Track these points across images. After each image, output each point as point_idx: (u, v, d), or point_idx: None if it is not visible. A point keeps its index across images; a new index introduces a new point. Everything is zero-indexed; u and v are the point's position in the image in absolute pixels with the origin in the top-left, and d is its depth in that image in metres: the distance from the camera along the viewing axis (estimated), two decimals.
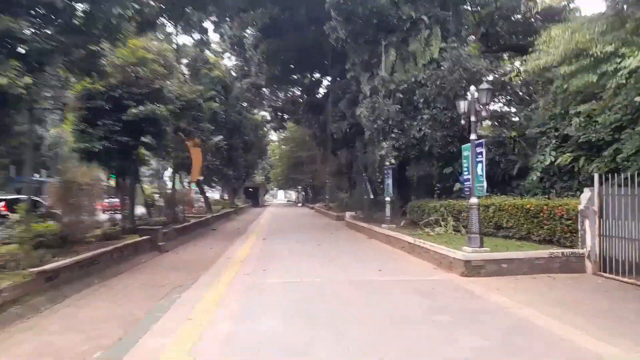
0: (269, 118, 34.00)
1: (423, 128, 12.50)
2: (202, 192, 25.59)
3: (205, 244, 13.19)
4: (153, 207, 18.51)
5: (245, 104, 40.24)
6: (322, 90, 27.02)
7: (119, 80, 12.00)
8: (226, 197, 40.49)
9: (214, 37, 31.58)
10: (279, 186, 71.49)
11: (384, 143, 13.02)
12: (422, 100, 12.68)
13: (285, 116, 29.41)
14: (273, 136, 57.63)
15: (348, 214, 21.37)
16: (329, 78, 24.85)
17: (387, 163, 13.58)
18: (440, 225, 11.84)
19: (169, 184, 27.68)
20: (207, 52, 34.51)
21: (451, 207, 11.91)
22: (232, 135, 33.46)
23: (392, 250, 10.93)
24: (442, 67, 12.71)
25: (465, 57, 11.87)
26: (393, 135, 12.99)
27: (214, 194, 50.63)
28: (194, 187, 27.32)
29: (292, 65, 22.56)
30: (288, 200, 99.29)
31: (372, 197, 21.21)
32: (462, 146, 8.63)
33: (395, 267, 8.41)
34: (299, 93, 27.12)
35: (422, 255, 9.19)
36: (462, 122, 8.38)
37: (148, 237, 10.86)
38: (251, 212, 38.88)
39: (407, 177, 18.63)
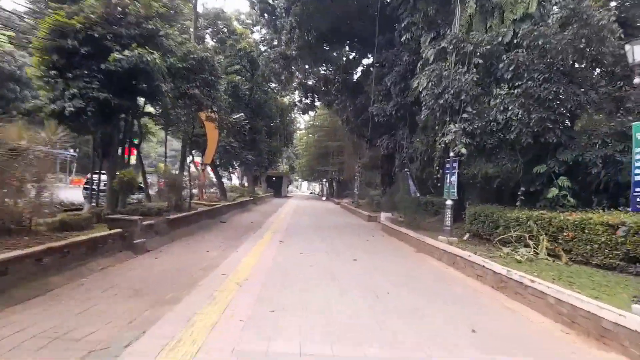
0: (297, 99, 30.56)
1: (510, 107, 8.90)
2: (217, 177, 22.61)
3: (203, 244, 10.05)
4: (157, 191, 15.64)
5: (272, 85, 37.27)
6: (360, 70, 23.46)
7: (101, 16, 8.90)
8: (247, 184, 37.61)
9: (243, 6, 28.44)
10: (303, 177, 68.42)
11: (453, 126, 9.50)
12: (510, 68, 9.07)
13: (316, 97, 25.85)
14: (300, 124, 54.51)
15: (383, 215, 17.93)
16: (369, 56, 21.36)
17: (452, 153, 10.07)
18: (528, 246, 8.33)
19: (193, 168, 24.89)
20: (235, 23, 31.53)
21: (545, 222, 8.33)
22: (255, 116, 30.46)
23: (465, 280, 7.45)
24: (543, 23, 9.05)
25: (586, 6, 8.17)
26: (465, 115, 9.45)
27: (233, 180, 48.02)
28: (210, 171, 24.43)
29: (328, 35, 19.05)
30: (311, 193, 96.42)
31: (418, 196, 17.72)
32: (634, 125, 4.97)
33: (497, 329, 4.81)
34: (332, 72, 23.58)
35: (530, 300, 5.70)
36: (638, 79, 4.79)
37: (120, 230, 7.77)
38: (272, 202, 35.83)
39: (459, 175, 15.08)
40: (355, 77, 22.80)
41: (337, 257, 8.90)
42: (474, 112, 9.46)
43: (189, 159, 21.24)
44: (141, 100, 11.46)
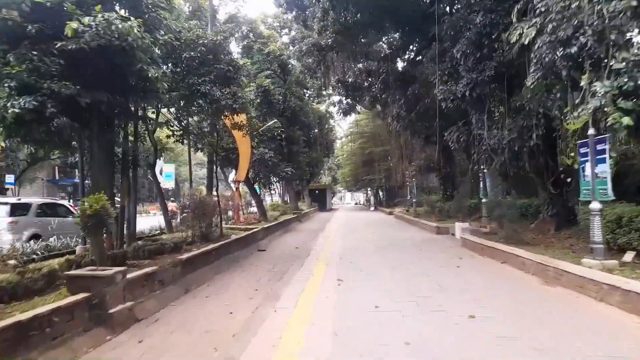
0: (336, 100, 27.36)
1: None
2: (254, 195, 19.78)
3: (229, 294, 6.95)
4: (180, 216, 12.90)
5: (307, 93, 34.47)
6: (406, 57, 19.97)
7: None
8: (288, 200, 34.81)
9: (269, 9, 25.84)
10: (347, 188, 65.06)
11: (599, 84, 5.93)
12: None
13: (357, 95, 22.55)
14: (339, 132, 51.47)
15: (459, 226, 14.27)
16: (417, 42, 17.95)
17: (592, 131, 6.44)
18: None
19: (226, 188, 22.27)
20: (262, 27, 29.08)
21: None
22: (291, 125, 27.67)
23: None
24: None
25: None
26: (619, 65, 5.86)
27: (274, 198, 45.62)
28: (245, 189, 21.69)
29: (367, 16, 15.79)
30: (356, 203, 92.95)
31: (500, 198, 14.00)
32: None
33: None
34: (375, 63, 20.22)
35: None
36: None
37: (85, 296, 4.79)
38: (317, 218, 32.69)
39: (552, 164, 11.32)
40: (401, 65, 19.37)
41: (436, 312, 5.47)
42: (633, 59, 5.85)
43: (220, 177, 18.67)
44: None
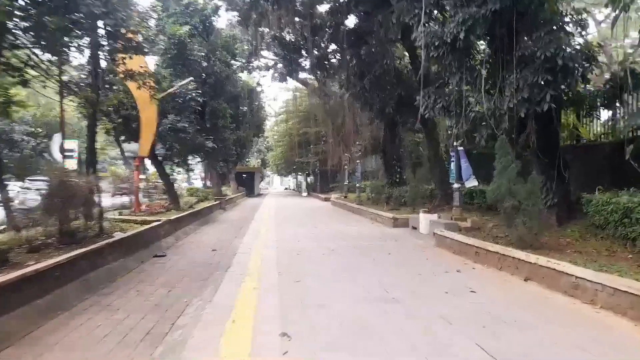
0: (269, 64, 23.17)
1: None
2: (163, 175, 15.37)
3: None
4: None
5: (235, 63, 29.95)
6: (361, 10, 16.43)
7: None
8: (210, 184, 30.30)
9: None
10: (278, 171, 61.20)
11: None
12: None
13: (296, 57, 18.64)
14: (270, 111, 47.31)
15: (425, 218, 11.34)
16: None
17: None
18: None
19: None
20: None
21: None
22: (216, 95, 23.26)
23: None
24: None
25: None
26: None
27: (197, 182, 40.72)
28: (151, 170, 17.07)
29: None
30: (286, 189, 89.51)
31: (477, 185, 11.24)
32: None
33: None
34: (320, 17, 16.37)
35: None
36: None
37: None
38: (245, 204, 28.65)
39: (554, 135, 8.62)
40: (354, 22, 15.84)
41: None
42: None
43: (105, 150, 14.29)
44: None
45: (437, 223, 10.70)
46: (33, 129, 42.13)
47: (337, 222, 15.29)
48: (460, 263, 7.48)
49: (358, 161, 20.79)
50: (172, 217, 11.98)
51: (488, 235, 8.73)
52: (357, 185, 20.42)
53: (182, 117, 14.62)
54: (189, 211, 15.09)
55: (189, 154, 16.60)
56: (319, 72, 19.13)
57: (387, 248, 9.19)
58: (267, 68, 25.30)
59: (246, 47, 28.54)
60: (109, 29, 8.02)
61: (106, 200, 15.76)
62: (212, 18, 22.99)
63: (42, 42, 7.28)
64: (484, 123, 9.23)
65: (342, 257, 8.14)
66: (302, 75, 38.64)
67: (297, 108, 41.44)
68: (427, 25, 8.90)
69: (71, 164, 32.46)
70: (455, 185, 11.45)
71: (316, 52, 16.70)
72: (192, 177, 42.21)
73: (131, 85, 13.11)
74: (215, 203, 20.85)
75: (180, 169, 33.93)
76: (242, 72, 33.72)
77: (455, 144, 11.37)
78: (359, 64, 14.50)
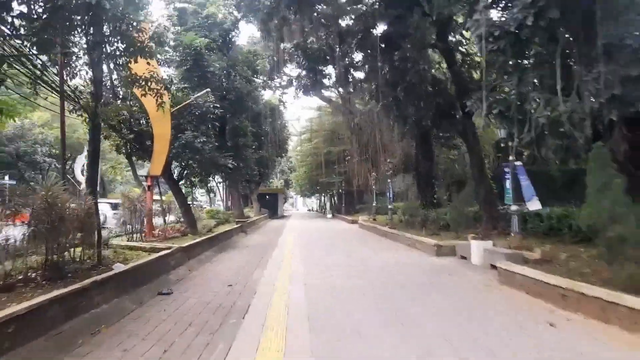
0: (292, 75, 21.94)
1: None
2: (178, 196, 14.10)
3: None
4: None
5: (256, 78, 29.05)
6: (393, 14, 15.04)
7: None
8: (231, 206, 29.08)
9: None
10: (301, 192, 59.87)
11: None
12: None
13: (321, 68, 17.29)
14: (293, 130, 46.29)
15: (478, 246, 9.59)
16: None
17: None
18: None
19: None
20: None
21: None
22: (237, 111, 22.21)
23: None
24: None
25: None
26: None
27: (215, 202, 39.74)
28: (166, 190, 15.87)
29: None
30: (309, 210, 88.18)
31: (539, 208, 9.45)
32: None
33: None
34: (348, 24, 15.08)
35: None
36: None
37: None
38: (267, 227, 27.20)
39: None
40: (383, 29, 14.48)
41: None
42: None
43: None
44: None
45: (494, 253, 8.94)
46: (55, 150, 42.16)
47: (371, 248, 13.60)
48: (545, 310, 5.73)
49: (389, 180, 19.12)
50: (186, 244, 10.59)
51: (569, 270, 6.94)
52: (389, 206, 18.73)
53: (200, 133, 13.39)
54: (207, 236, 13.74)
55: (208, 173, 15.31)
56: (345, 85, 17.72)
57: (441, 286, 7.48)
58: (290, 82, 23.99)
59: (267, 65, 27.67)
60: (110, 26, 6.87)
61: (114, 224, 14.69)
62: (232, 33, 22.14)
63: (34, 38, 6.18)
64: (546, 132, 7.56)
65: (388, 301, 6.48)
66: (327, 91, 37.67)
67: (321, 126, 40.30)
68: (483, 12, 7.35)
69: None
70: (514, 208, 9.67)
71: (342, 62, 15.34)
72: (216, 199, 41.29)
73: (144, 98, 12.04)
74: (236, 226, 19.51)
75: (203, 191, 33.03)
76: (264, 89, 32.91)
77: (511, 158, 9.65)
78: (392, 72, 13.05)
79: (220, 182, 27.96)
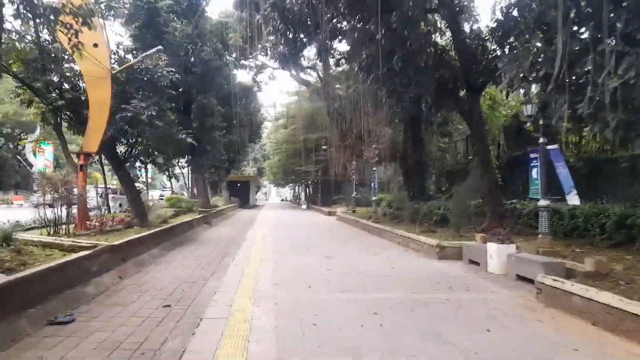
0: (269, 44, 19.26)
1: None
2: (125, 180, 11.51)
3: None
4: None
5: (230, 56, 26.29)
6: None
7: None
8: (197, 193, 26.40)
9: None
10: (275, 181, 57.31)
11: None
12: None
13: (302, 34, 14.71)
14: (266, 115, 43.61)
15: (498, 250, 7.56)
16: None
17: None
18: None
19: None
20: None
21: None
22: (203, 87, 19.62)
23: None
24: None
25: None
26: None
27: (186, 191, 36.92)
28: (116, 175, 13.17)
29: None
30: (282, 200, 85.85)
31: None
32: None
33: None
34: None
35: None
36: None
37: None
38: (236, 218, 24.73)
39: None
40: None
41: None
42: None
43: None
44: None
45: (521, 260, 6.92)
46: (6, 130, 38.08)
47: (356, 247, 11.45)
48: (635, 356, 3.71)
49: (375, 169, 16.99)
50: (123, 240, 8.13)
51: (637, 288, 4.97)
52: (373, 198, 16.61)
53: (151, 104, 10.83)
54: (159, 228, 11.30)
55: (161, 152, 12.73)
56: (326, 59, 15.40)
57: (465, 310, 5.35)
58: (265, 51, 21.32)
59: (240, 39, 24.99)
60: None
61: (25, 213, 11.90)
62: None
63: None
64: (619, 99, 5.49)
65: (396, 335, 4.32)
66: (305, 74, 35.15)
67: (298, 112, 37.84)
68: None
69: (40, 164, 28.38)
70: (543, 203, 7.68)
71: (327, 27, 12.91)
72: (179, 186, 38.34)
73: (79, 56, 9.43)
74: (198, 217, 17.02)
75: (173, 176, 30.08)
76: (237, 69, 30.25)
77: (542, 140, 7.63)
78: (387, 38, 10.80)
79: (184, 167, 25.28)
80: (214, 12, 51.03)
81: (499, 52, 10.75)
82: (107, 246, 7.32)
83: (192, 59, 19.35)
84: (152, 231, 10.36)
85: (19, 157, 39.24)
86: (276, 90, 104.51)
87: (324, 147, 37.01)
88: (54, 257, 6.61)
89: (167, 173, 24.97)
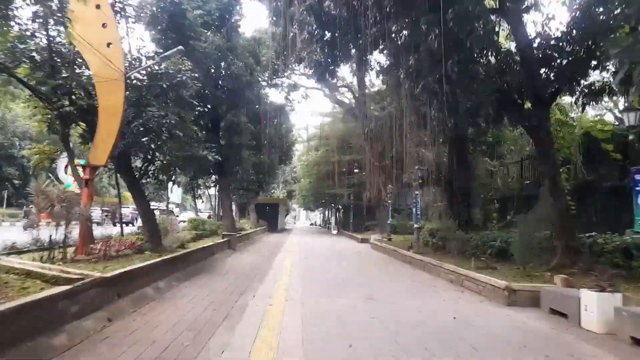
0: (303, 56, 17.97)
1: None
2: (138, 197, 10.26)
3: None
4: None
5: (262, 74, 25.42)
6: None
7: None
8: (223, 214, 25.16)
9: None
10: (304, 205, 55.85)
11: None
12: None
13: (342, 39, 13.17)
14: (298, 136, 42.54)
15: (597, 301, 5.62)
16: None
17: None
18: None
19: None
20: None
21: None
22: (232, 104, 18.64)
23: None
24: None
25: None
26: None
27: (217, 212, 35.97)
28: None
29: None
30: (311, 224, 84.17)
31: None
32: None
33: None
34: None
35: None
36: None
37: None
38: (263, 243, 23.24)
39: None
40: None
41: None
42: None
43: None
44: None
45: (637, 317, 5.02)
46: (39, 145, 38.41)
47: (401, 285, 9.61)
48: None
49: (417, 192, 15.18)
50: (120, 271, 6.71)
51: None
52: (415, 225, 14.75)
53: (170, 112, 9.62)
54: (173, 254, 9.89)
55: (182, 170, 11.47)
56: (365, 70, 13.94)
57: None
58: (300, 61, 20.06)
59: (274, 54, 24.11)
60: None
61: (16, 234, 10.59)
62: (233, 11, 18.56)
63: None
64: None
65: None
66: (338, 94, 34.01)
67: (332, 133, 36.61)
68: None
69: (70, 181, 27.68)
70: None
71: (371, 31, 11.43)
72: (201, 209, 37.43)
73: (87, 53, 8.41)
74: (221, 241, 15.62)
75: (198, 197, 29.18)
76: (269, 87, 29.39)
77: None
78: (441, 39, 9.25)
79: (210, 187, 24.21)
80: (248, 30, 51.04)
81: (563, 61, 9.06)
82: (98, 278, 5.89)
83: (222, 73, 18.40)
84: (163, 258, 8.94)
85: (50, 174, 39.52)
86: (309, 112, 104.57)
87: (355, 170, 35.52)
88: (30, 290, 5.26)
89: (192, 193, 23.99)
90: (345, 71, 17.75)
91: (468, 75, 9.44)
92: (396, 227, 23.20)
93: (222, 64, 17.81)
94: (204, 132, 18.69)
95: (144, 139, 9.89)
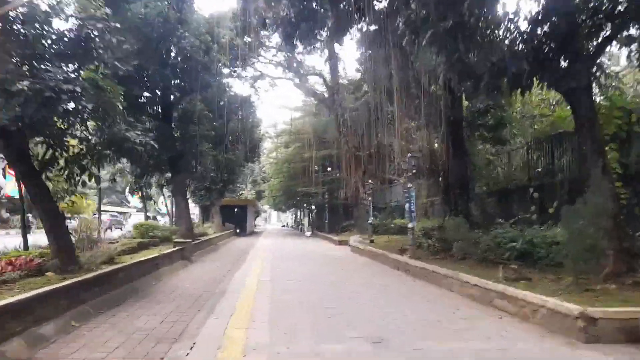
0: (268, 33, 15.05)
1: None
2: (39, 197, 7.27)
3: None
4: None
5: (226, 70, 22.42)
6: None
7: None
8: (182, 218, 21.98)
9: None
10: (275, 205, 52.88)
11: None
12: None
13: (313, 11, 10.56)
14: (268, 134, 39.66)
15: None
16: None
17: None
18: None
19: None
20: None
21: None
22: (187, 87, 15.73)
23: None
24: None
25: None
26: None
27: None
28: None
29: None
30: (283, 226, 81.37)
31: None
32: None
33: None
34: None
35: None
36: None
37: None
38: (228, 249, 20.24)
39: None
40: None
41: None
42: None
43: None
44: None
45: None
46: None
47: (415, 311, 6.86)
48: None
49: (410, 185, 12.65)
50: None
51: None
52: (410, 225, 12.19)
53: (75, 76, 6.69)
54: (92, 274, 6.98)
55: (103, 159, 8.47)
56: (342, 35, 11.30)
57: None
58: (264, 25, 17.26)
59: (235, 36, 21.29)
60: None
61: None
62: None
63: None
64: None
65: None
66: (312, 84, 31.45)
67: (303, 128, 34.03)
68: None
69: (10, 187, 23.31)
70: None
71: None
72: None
73: None
74: (172, 250, 12.59)
75: (149, 198, 25.82)
76: (232, 77, 26.43)
77: None
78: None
79: (162, 186, 21.08)
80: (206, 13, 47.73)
81: None
82: None
83: (173, 50, 15.48)
84: (64, 283, 6.02)
85: None
86: (277, 107, 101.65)
87: (329, 168, 33.14)
88: None
89: (139, 192, 20.79)
90: (316, 59, 15.06)
91: (490, 22, 6.95)
92: (378, 228, 20.73)
93: (171, 38, 14.81)
94: (152, 122, 15.70)
95: (41, 113, 6.87)
